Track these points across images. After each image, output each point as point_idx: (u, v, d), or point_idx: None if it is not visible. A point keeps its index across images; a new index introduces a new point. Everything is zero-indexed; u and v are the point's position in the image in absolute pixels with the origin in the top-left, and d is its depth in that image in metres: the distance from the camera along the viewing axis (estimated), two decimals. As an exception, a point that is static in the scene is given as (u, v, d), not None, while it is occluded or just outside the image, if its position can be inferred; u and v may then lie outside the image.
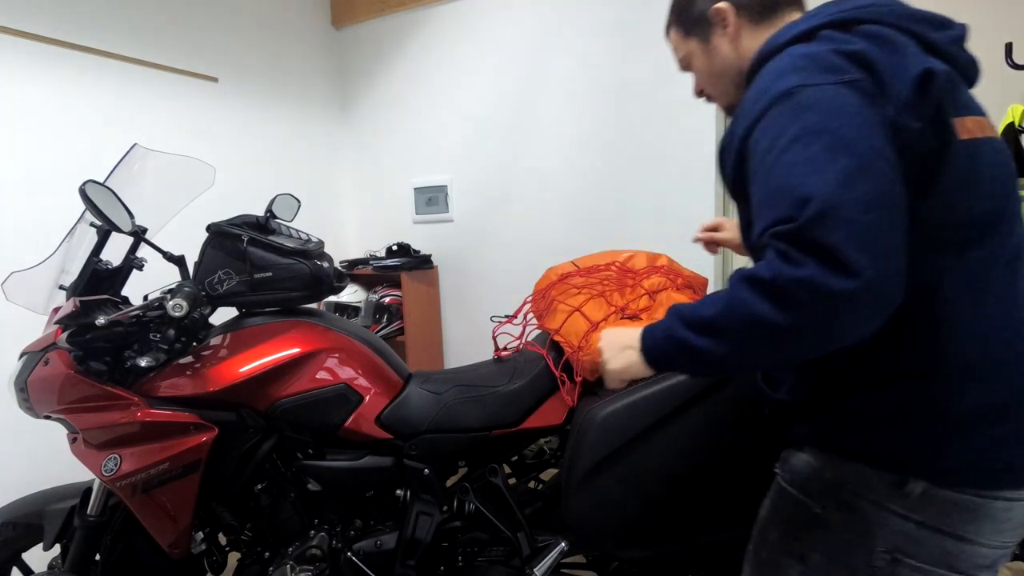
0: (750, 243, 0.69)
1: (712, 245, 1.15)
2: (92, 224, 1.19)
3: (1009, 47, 1.74)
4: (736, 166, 0.69)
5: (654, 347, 0.72)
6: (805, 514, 0.72)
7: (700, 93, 0.93)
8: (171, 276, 1.22)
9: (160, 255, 1.20)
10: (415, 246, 2.92)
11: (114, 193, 1.09)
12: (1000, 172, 0.66)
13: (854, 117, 0.59)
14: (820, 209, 0.54)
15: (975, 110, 0.67)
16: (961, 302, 0.63)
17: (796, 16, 0.78)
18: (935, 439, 0.63)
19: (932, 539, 0.64)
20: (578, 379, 1.11)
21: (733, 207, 1.48)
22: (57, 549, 1.27)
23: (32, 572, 1.32)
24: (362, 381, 1.20)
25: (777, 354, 0.62)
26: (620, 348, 0.76)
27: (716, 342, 0.63)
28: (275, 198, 1.37)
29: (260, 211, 1.34)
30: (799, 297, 0.55)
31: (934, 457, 0.63)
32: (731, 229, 1.13)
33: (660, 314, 1.04)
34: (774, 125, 0.63)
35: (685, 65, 0.91)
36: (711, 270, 2.22)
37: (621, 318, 1.08)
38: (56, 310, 1.21)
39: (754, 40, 0.78)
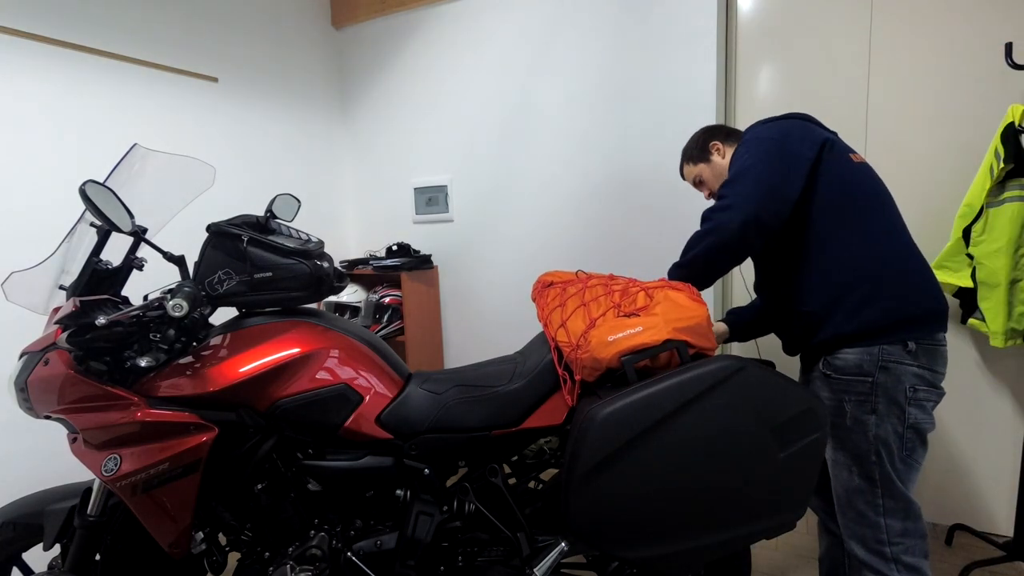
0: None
1: None
2: (92, 224, 1.19)
3: (1009, 47, 1.74)
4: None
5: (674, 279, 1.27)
6: (864, 385, 1.17)
7: (709, 196, 1.53)
8: (171, 276, 1.22)
9: (160, 255, 1.20)
10: (415, 246, 2.92)
11: (114, 193, 1.09)
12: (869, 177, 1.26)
13: (763, 151, 1.22)
14: (727, 180, 1.24)
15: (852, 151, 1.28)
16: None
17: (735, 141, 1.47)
18: (915, 322, 1.16)
19: (927, 374, 1.15)
20: (577, 378, 1.11)
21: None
22: (57, 549, 1.27)
23: (32, 572, 1.32)
24: (362, 381, 1.20)
25: (713, 247, 1.21)
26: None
27: (691, 253, 1.24)
28: (275, 198, 1.37)
29: (260, 211, 1.35)
30: (708, 217, 1.23)
31: (913, 329, 1.15)
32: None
33: (657, 311, 1.04)
34: (734, 158, 1.29)
35: (698, 180, 1.54)
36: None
37: (619, 315, 1.08)
38: (56, 310, 1.21)
39: (730, 151, 1.45)
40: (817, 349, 1.25)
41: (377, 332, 2.71)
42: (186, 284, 1.13)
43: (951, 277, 1.89)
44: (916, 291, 1.17)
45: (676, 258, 1.30)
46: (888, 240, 1.19)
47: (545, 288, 1.32)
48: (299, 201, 1.44)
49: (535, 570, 1.12)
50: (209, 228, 1.17)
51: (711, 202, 2.22)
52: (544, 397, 1.20)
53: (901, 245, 1.20)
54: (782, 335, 1.37)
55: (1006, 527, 2.04)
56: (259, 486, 1.20)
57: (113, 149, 1.98)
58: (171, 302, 1.08)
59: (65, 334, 1.01)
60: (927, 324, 1.16)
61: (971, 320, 1.89)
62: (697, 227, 1.26)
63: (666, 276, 1.28)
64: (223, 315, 1.30)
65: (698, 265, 1.24)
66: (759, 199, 1.17)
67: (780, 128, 1.25)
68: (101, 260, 1.20)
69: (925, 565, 1.17)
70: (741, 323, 1.54)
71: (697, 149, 1.52)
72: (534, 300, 1.36)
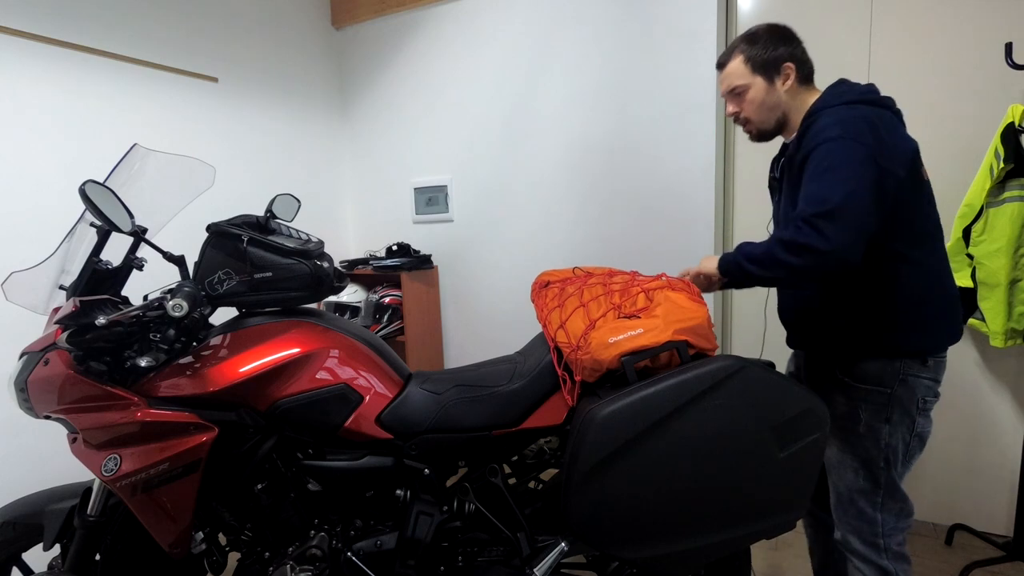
0: (788, 217, 1.16)
1: None
2: (92, 224, 1.19)
3: (1009, 47, 1.74)
4: (800, 169, 1.15)
5: (723, 262, 1.19)
6: (883, 396, 1.17)
7: (735, 115, 1.30)
8: (171, 276, 1.22)
9: (160, 255, 1.20)
10: (415, 246, 2.92)
11: (114, 193, 1.09)
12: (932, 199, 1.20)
13: (859, 163, 1.05)
14: (828, 209, 1.03)
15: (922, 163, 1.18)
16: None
17: (814, 86, 1.27)
18: (934, 337, 1.17)
19: (935, 385, 1.18)
20: (577, 379, 1.11)
21: (730, 204, 1.76)
22: (57, 549, 1.27)
23: (32, 572, 1.32)
24: (362, 381, 1.20)
25: (787, 279, 1.10)
26: (708, 259, 1.24)
27: (758, 268, 1.11)
28: (275, 198, 1.37)
29: (260, 211, 1.35)
30: (799, 251, 1.04)
31: (937, 348, 1.17)
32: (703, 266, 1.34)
33: (658, 313, 1.04)
34: (822, 153, 1.09)
35: (738, 91, 1.26)
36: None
37: (619, 316, 1.08)
38: (56, 310, 1.21)
39: (798, 95, 1.25)
40: (835, 353, 1.24)
41: (377, 332, 2.71)
42: (186, 284, 1.13)
43: (951, 277, 1.89)
44: (953, 316, 1.19)
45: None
46: (938, 263, 1.18)
47: (543, 288, 1.32)
48: (299, 201, 1.44)
49: (535, 570, 1.12)
50: (209, 228, 1.17)
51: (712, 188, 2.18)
52: (544, 397, 1.20)
53: (946, 269, 1.19)
54: (797, 331, 1.32)
55: (1006, 527, 2.04)
56: (259, 486, 1.20)
57: (113, 149, 1.98)
58: (171, 302, 1.08)
59: (65, 334, 1.01)
60: (948, 343, 1.19)
61: (971, 320, 1.89)
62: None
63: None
64: (223, 315, 1.30)
65: (760, 281, 1.14)
66: (859, 247, 1.03)
67: (872, 127, 1.07)
68: (101, 260, 1.20)
69: (907, 548, 1.24)
70: None
71: (767, 57, 1.22)
72: (533, 301, 1.36)
